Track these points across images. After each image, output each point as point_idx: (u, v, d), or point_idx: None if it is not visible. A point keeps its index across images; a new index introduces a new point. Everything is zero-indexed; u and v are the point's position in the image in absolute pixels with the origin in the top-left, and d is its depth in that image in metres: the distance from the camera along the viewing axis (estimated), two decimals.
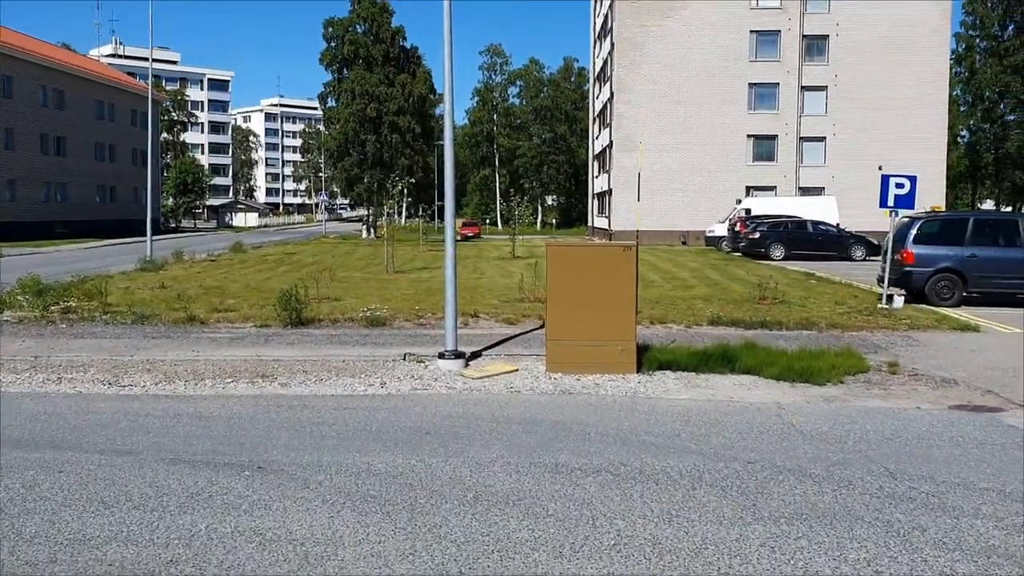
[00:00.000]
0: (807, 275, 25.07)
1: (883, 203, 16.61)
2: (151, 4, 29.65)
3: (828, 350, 11.72)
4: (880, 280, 18.64)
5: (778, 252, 33.31)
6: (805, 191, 52.88)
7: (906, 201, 16.46)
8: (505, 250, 37.83)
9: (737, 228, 37.05)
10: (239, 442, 7.59)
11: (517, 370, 11.15)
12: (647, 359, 11.15)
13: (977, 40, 72.55)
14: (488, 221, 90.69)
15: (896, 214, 17.39)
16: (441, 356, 11.46)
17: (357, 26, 60.24)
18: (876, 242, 34.97)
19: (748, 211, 41.71)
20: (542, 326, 14.56)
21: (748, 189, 52.98)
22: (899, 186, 16.38)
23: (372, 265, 29.49)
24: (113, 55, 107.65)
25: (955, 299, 17.71)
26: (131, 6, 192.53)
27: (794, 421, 8.61)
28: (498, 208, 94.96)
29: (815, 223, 35.50)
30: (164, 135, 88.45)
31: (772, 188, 53.23)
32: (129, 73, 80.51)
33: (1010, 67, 66.93)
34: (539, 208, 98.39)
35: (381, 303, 17.01)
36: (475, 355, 12.17)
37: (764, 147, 54.14)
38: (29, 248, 40.34)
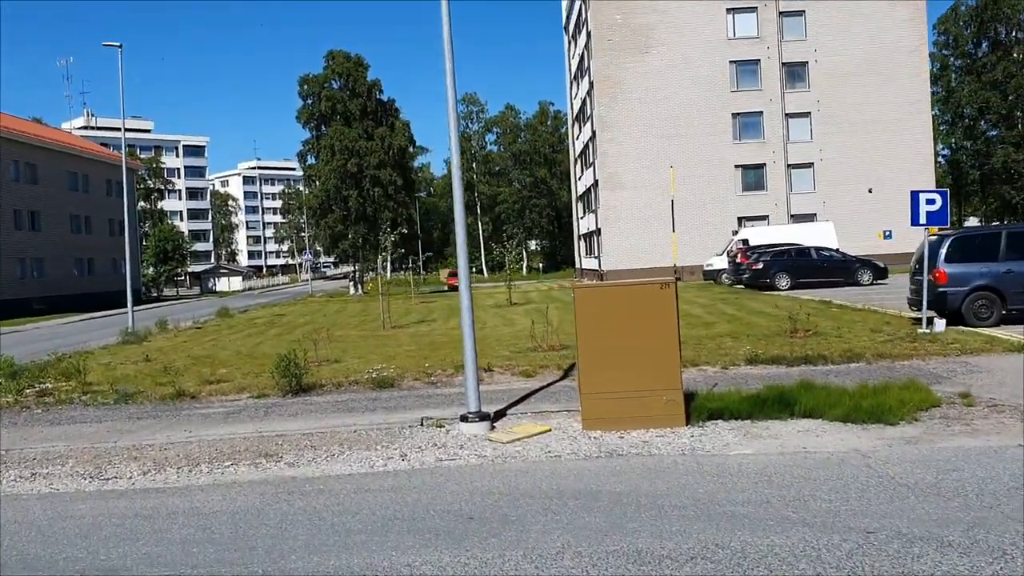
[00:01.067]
0: (825, 303, 23.98)
1: (914, 221, 15.61)
2: (121, 75, 28.56)
3: (890, 384, 10.56)
4: (912, 303, 17.58)
5: (784, 281, 32.27)
6: (796, 218, 52.22)
7: (938, 217, 15.47)
8: (499, 297, 36.68)
9: (738, 259, 36.04)
10: (248, 546, 6.30)
11: (550, 430, 9.93)
12: (694, 408, 9.96)
13: (951, 59, 72.83)
14: (474, 269, 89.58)
15: (925, 232, 16.37)
16: (464, 419, 10.23)
17: (333, 82, 59.63)
18: (883, 265, 34.10)
19: (745, 242, 40.83)
20: (564, 377, 13.39)
21: (740, 220, 52.20)
22: (930, 202, 15.40)
23: (367, 322, 28.23)
24: (86, 127, 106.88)
25: (994, 318, 16.65)
26: (101, 78, 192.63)
27: (889, 472, 7.41)
28: (482, 256, 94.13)
29: (818, 249, 34.54)
30: (141, 203, 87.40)
31: (764, 217, 52.49)
32: (103, 144, 79.58)
33: (988, 83, 67.05)
34: (524, 253, 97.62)
35: (385, 362, 15.78)
36: (499, 414, 10.96)
37: (753, 176, 53.52)
38: (6, 327, 38.84)
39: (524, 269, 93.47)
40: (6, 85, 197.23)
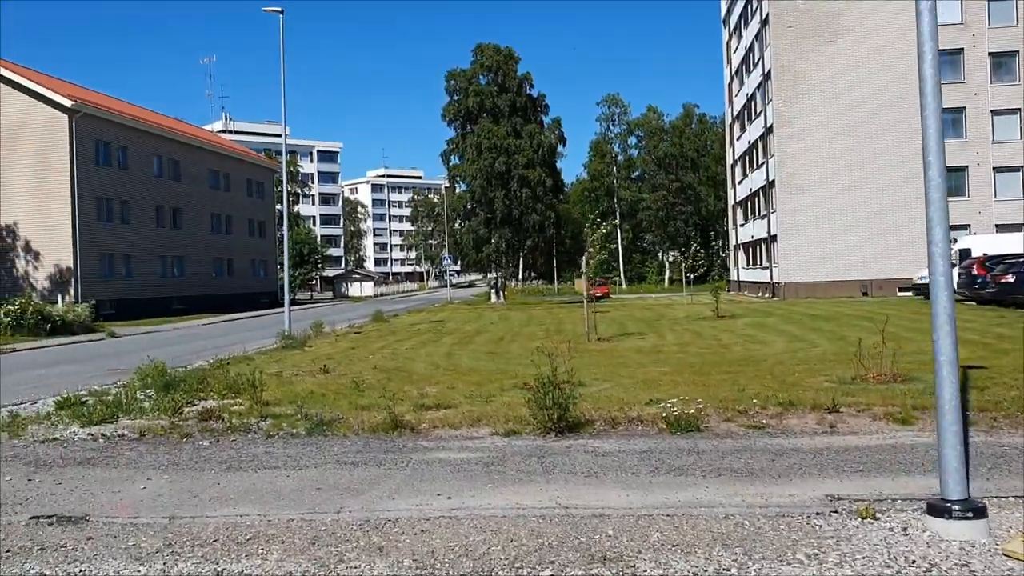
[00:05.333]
0: None
1: None
2: (282, 42, 25.44)
3: None
4: None
5: None
6: (1001, 228, 45.67)
7: None
8: (686, 310, 32.19)
9: (975, 271, 30.30)
10: None
11: None
12: None
13: None
14: (615, 280, 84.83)
15: None
16: (940, 511, 5.81)
17: (480, 76, 56.21)
18: None
19: (967, 251, 35.03)
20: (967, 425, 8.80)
21: None
22: None
23: (555, 332, 24.05)
24: (224, 130, 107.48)
25: None
26: (238, 83, 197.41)
27: None
28: (621, 266, 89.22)
29: None
30: (278, 206, 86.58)
31: (965, 227, 46.10)
32: None
33: None
34: (665, 264, 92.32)
35: (647, 389, 11.53)
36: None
37: (952, 180, 47.09)
38: (145, 326, 36.61)
39: (666, 281, 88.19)
40: (149, 85, 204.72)
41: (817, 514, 6.25)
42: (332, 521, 6.39)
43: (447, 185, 77.68)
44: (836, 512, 6.28)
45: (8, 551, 5.86)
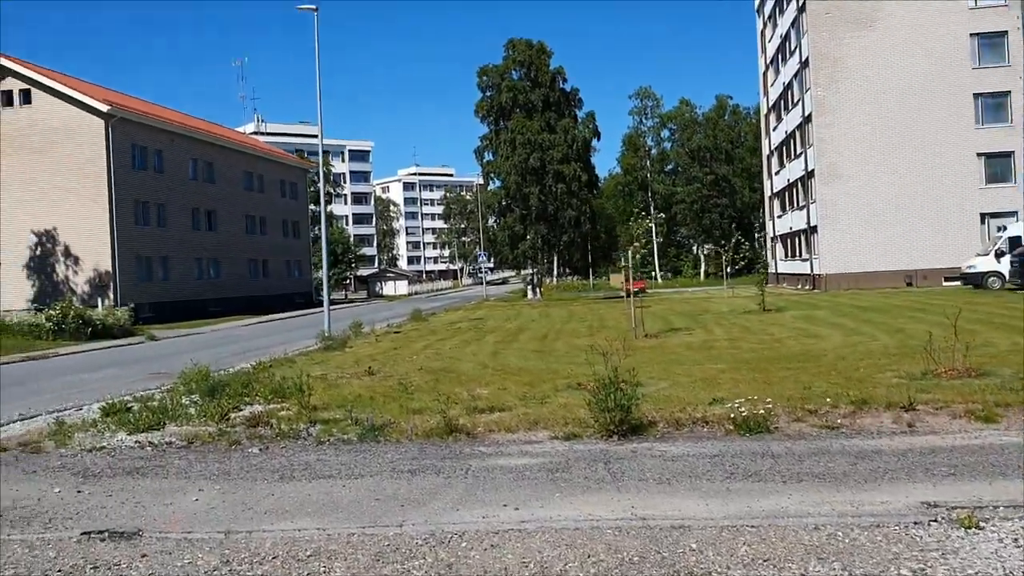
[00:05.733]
0: None
1: None
2: (316, 40, 25.25)
3: None
4: None
5: None
6: None
7: None
8: (729, 303, 31.56)
9: None
10: None
11: None
12: None
13: None
14: (652, 275, 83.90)
15: None
16: None
17: (513, 72, 55.83)
18: None
19: (1016, 239, 34.12)
20: None
21: (983, 216, 44.97)
22: None
23: (597, 330, 23.58)
24: (256, 132, 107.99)
25: None
26: (269, 84, 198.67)
27: None
28: (656, 260, 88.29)
29: None
30: (311, 206, 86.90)
31: (1011, 214, 44.85)
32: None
33: None
34: (700, 257, 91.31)
35: (708, 388, 11.10)
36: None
37: (999, 167, 45.96)
38: (183, 329, 36.67)
39: (701, 274, 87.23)
40: (181, 88, 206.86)
41: (915, 523, 5.80)
42: (395, 535, 6.04)
43: (480, 182, 77.35)
44: (935, 521, 5.83)
45: (60, 571, 5.59)
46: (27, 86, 41.83)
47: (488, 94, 56.09)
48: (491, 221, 62.24)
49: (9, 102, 41.96)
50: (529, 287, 59.48)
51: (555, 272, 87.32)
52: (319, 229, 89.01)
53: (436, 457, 8.41)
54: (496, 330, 25.54)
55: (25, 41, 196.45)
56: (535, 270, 59.18)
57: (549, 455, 8.24)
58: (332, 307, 27.74)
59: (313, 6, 24.50)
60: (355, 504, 6.88)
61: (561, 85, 56.09)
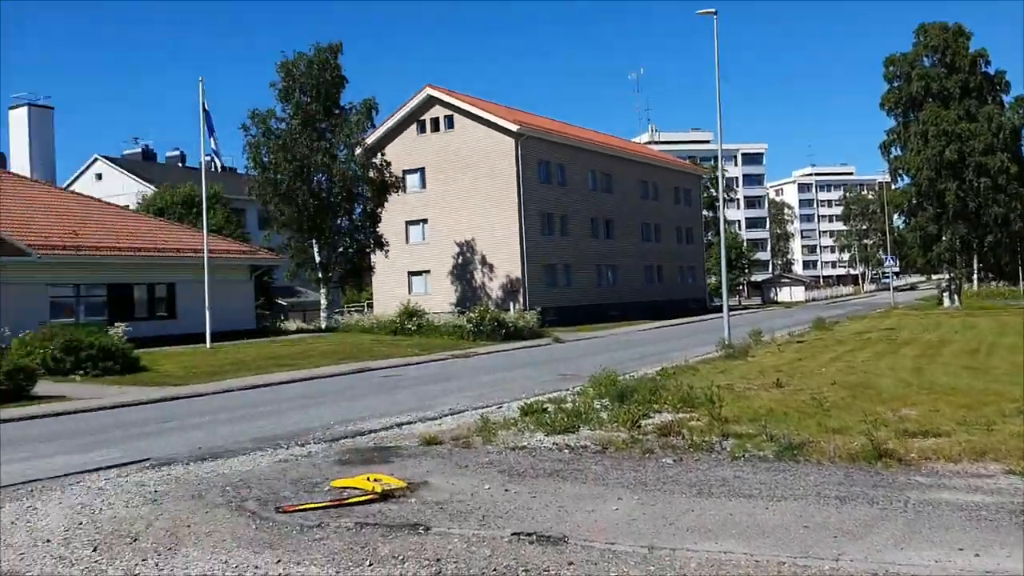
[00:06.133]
0: None
1: None
2: (716, 40, 24.92)
3: None
4: None
5: None
6: None
7: None
8: None
9: None
10: None
11: None
12: None
13: None
14: None
15: None
16: None
17: (924, 59, 51.07)
18: None
19: None
20: None
21: None
22: None
23: None
24: (650, 142, 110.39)
25: None
26: (662, 92, 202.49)
27: None
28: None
29: None
30: (704, 212, 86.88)
31: None
32: None
33: None
34: None
35: None
36: None
37: None
38: (585, 332, 38.35)
39: None
40: (579, 104, 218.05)
41: None
42: (831, 570, 5.51)
43: (886, 180, 71.78)
44: None
45: (495, 570, 5.82)
46: (450, 112, 46.60)
47: (895, 84, 51.80)
48: (898, 221, 57.39)
49: (436, 128, 47.04)
50: (945, 293, 53.93)
51: (975, 276, 78.18)
52: (712, 235, 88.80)
53: (865, 484, 7.66)
54: (912, 342, 23.34)
55: (445, 72, 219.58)
56: (952, 274, 53.49)
57: (1008, 493, 7.12)
58: (729, 314, 27.20)
59: (712, 9, 24.25)
60: (781, 529, 6.42)
61: (983, 69, 50.16)
